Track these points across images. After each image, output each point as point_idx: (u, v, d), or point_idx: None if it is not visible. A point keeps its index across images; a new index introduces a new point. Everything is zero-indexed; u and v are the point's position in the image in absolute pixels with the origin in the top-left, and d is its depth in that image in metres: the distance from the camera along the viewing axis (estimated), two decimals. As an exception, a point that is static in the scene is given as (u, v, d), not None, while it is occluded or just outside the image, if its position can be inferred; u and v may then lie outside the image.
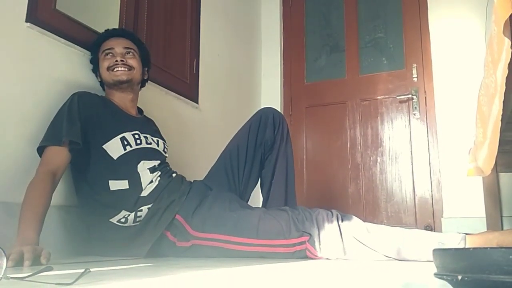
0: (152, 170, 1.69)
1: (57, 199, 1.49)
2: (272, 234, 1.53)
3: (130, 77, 1.81)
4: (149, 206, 1.63)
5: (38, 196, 1.43)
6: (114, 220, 1.62)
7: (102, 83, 1.86)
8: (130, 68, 1.82)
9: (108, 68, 1.79)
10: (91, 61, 1.88)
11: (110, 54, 1.80)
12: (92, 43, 1.86)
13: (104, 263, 1.33)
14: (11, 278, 0.77)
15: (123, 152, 1.66)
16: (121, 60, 1.79)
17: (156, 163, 1.72)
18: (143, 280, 0.90)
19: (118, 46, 1.82)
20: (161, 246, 1.62)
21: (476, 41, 2.90)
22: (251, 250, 1.54)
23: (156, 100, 2.25)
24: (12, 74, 1.59)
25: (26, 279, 0.80)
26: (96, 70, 1.86)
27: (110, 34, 1.86)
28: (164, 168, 1.76)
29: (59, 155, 1.55)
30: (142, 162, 1.69)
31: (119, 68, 1.79)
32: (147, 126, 1.89)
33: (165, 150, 1.86)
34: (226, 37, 3.14)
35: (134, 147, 1.70)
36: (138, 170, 1.67)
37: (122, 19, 2.12)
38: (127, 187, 1.64)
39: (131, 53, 1.84)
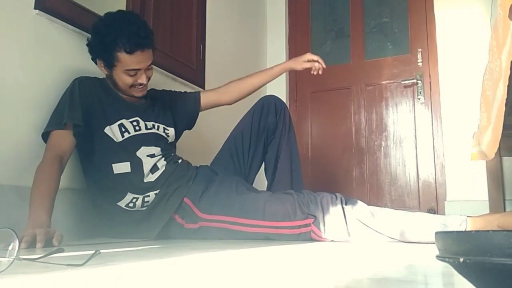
0: (152, 156, 1.70)
1: (68, 182, 1.52)
2: (278, 216, 1.55)
3: (146, 91, 1.78)
4: (156, 192, 1.65)
5: (47, 179, 1.45)
6: (122, 204, 1.65)
7: (107, 78, 1.75)
8: (149, 80, 1.76)
9: (131, 86, 1.71)
10: (99, 57, 1.68)
11: (135, 73, 1.67)
12: (110, 42, 1.61)
13: (114, 244, 1.36)
14: (24, 259, 0.78)
15: (121, 139, 1.68)
16: (145, 83, 1.73)
17: (156, 150, 1.72)
18: (152, 262, 0.92)
19: (145, 64, 1.68)
20: (169, 228, 1.65)
21: (481, 25, 2.88)
22: (257, 232, 1.57)
23: (163, 86, 2.25)
24: (21, 61, 1.60)
25: (38, 260, 0.82)
26: (97, 59, 1.69)
27: (136, 46, 1.61)
28: (168, 154, 1.76)
29: (64, 139, 1.57)
30: (142, 147, 1.69)
31: (141, 87, 1.73)
32: (151, 110, 1.84)
33: (168, 133, 1.83)
34: (232, 22, 3.13)
35: (133, 133, 1.70)
36: (139, 155, 1.68)
37: (129, 7, 2.10)
38: (129, 170, 1.65)
39: (150, 66, 1.74)
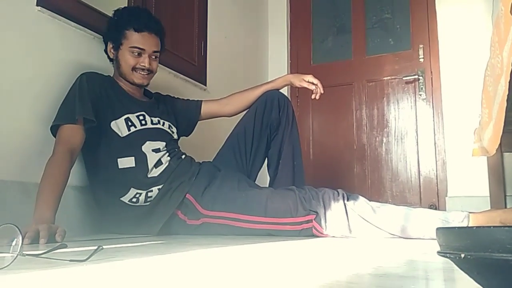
0: (157, 151, 1.71)
1: (71, 180, 1.52)
2: (279, 212, 1.56)
3: (149, 81, 1.82)
4: (160, 187, 1.66)
5: (57, 175, 1.45)
6: (125, 199, 1.66)
7: (114, 63, 1.81)
8: (152, 71, 1.80)
9: (133, 68, 1.76)
10: (110, 38, 1.78)
11: (138, 53, 1.75)
12: (121, 21, 1.75)
13: (117, 240, 1.36)
14: (27, 255, 0.79)
15: (128, 132, 1.69)
16: (148, 68, 1.77)
17: (161, 144, 1.74)
18: (155, 257, 0.92)
19: (150, 47, 1.76)
20: (172, 224, 1.66)
21: (483, 21, 2.87)
22: (259, 228, 1.58)
23: (165, 83, 2.26)
24: (24, 57, 1.61)
25: (41, 256, 0.82)
26: (108, 42, 1.80)
27: (145, 26, 1.74)
28: (172, 150, 1.78)
29: (75, 133, 1.57)
30: (147, 142, 1.71)
31: (144, 74, 1.78)
32: (156, 108, 1.88)
33: (172, 130, 1.87)
34: (233, 18, 3.13)
35: (139, 127, 1.72)
36: (144, 150, 1.69)
37: (130, 2, 2.10)
38: (134, 165, 1.66)
39: (156, 56, 1.81)
